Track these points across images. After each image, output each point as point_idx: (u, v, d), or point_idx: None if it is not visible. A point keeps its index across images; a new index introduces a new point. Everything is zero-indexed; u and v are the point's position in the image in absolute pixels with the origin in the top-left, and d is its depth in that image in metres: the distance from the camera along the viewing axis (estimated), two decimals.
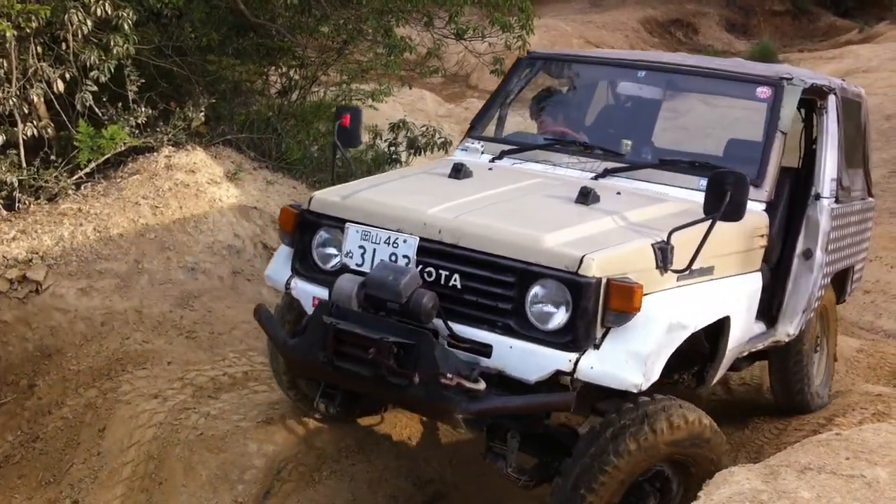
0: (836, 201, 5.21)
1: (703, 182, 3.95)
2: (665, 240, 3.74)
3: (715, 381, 4.40)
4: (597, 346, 3.58)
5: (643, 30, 17.19)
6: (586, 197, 4.07)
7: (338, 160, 4.87)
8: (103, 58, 6.66)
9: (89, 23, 6.46)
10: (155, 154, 7.00)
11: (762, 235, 4.54)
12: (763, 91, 4.74)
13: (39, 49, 6.57)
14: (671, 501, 3.97)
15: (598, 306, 3.54)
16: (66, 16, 6.39)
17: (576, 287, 3.54)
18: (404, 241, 3.78)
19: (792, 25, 18.91)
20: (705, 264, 3.97)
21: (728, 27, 18.72)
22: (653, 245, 3.74)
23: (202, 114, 7.27)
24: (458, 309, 3.72)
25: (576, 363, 3.54)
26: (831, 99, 5.19)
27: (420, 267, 3.74)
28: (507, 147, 4.95)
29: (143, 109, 6.91)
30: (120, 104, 6.88)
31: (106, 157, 6.73)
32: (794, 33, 18.55)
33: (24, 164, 6.43)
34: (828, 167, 5.13)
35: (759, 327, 4.87)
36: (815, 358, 5.68)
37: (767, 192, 4.54)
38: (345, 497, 4.46)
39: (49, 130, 6.69)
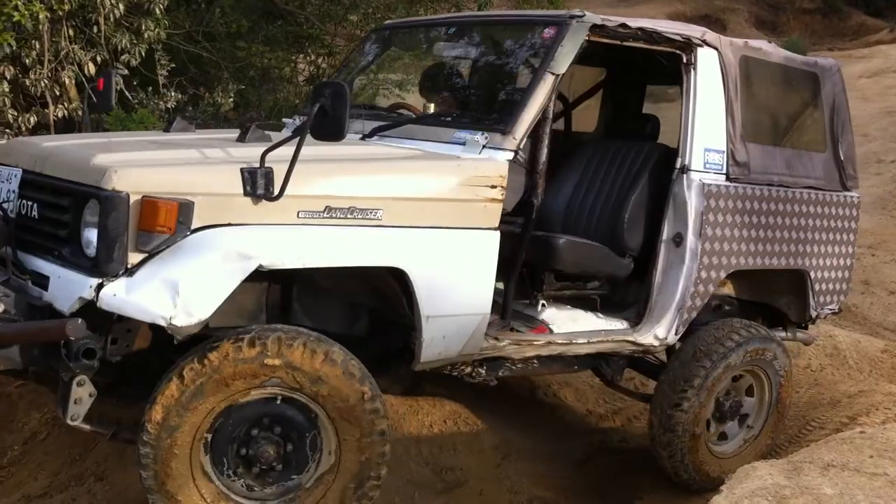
0: (729, 179, 4.46)
1: (458, 134, 3.92)
2: (259, 164, 3.32)
3: (438, 359, 3.87)
4: (130, 273, 3.17)
5: None
6: (244, 135, 3.82)
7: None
8: (134, 42, 6.73)
9: (121, 6, 6.53)
10: None
11: (493, 186, 3.79)
12: (548, 31, 4.16)
13: (71, 32, 6.64)
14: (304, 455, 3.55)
15: (122, 225, 3.15)
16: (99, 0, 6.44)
17: (100, 202, 3.18)
18: (14, 175, 3.61)
19: (822, 23, 18.76)
20: (364, 205, 3.52)
21: (757, 24, 18.61)
22: (242, 169, 3.32)
23: (231, 99, 7.33)
24: (33, 240, 3.48)
25: (98, 289, 3.12)
26: (703, 54, 4.39)
27: (20, 200, 3.55)
28: None
29: (172, 94, 6.99)
30: (150, 88, 6.95)
31: None
32: (823, 31, 18.40)
33: None
34: (697, 134, 4.36)
35: (616, 324, 4.41)
36: (706, 438, 4.65)
37: (517, 140, 3.87)
38: None
39: (79, 113, 6.76)
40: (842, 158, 5.06)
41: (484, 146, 3.87)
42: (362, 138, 4.16)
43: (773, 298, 5.05)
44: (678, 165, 4.37)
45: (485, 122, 4.09)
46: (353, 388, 3.45)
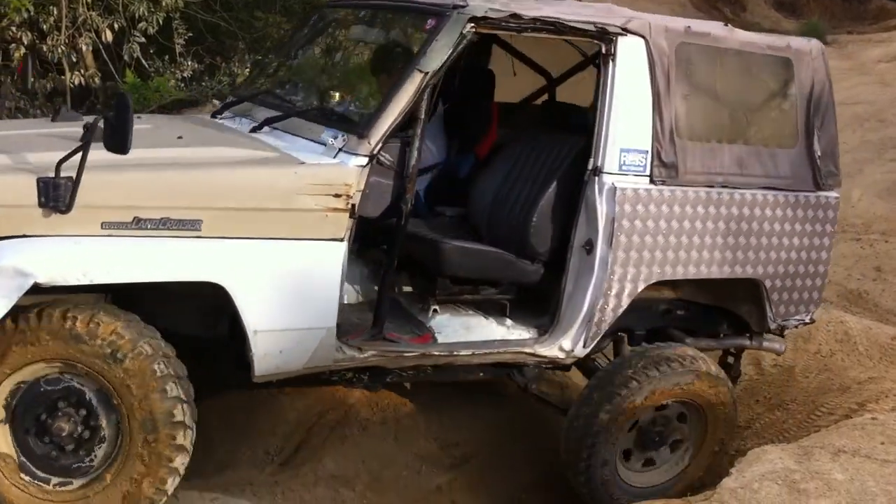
0: (653, 181, 4.03)
1: (325, 133, 3.67)
2: (54, 174, 3.13)
3: (279, 372, 3.67)
4: None
5: (689, 4, 16.94)
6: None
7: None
8: (152, 10, 6.73)
9: None
10: (199, 108, 7.04)
11: (336, 195, 3.49)
12: (430, 22, 3.81)
13: None
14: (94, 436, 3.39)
15: None
16: None
17: None
18: None
19: (842, 7, 18.58)
20: (180, 215, 3.30)
21: (776, 5, 18.42)
22: (39, 179, 3.15)
23: (247, 70, 7.31)
24: None
25: None
26: (624, 44, 3.97)
27: None
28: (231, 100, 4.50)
29: (189, 63, 6.99)
30: (167, 57, 6.94)
31: (151, 108, 6.79)
32: (843, 15, 18.22)
33: None
34: (612, 134, 3.96)
35: (519, 332, 4.14)
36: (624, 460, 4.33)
37: (371, 145, 3.56)
38: (373, 455, 4.51)
39: (96, 80, 6.77)
40: (817, 154, 4.47)
41: (340, 150, 3.60)
42: (252, 130, 3.97)
43: (734, 305, 4.62)
44: (590, 167, 3.99)
45: (350, 121, 3.82)
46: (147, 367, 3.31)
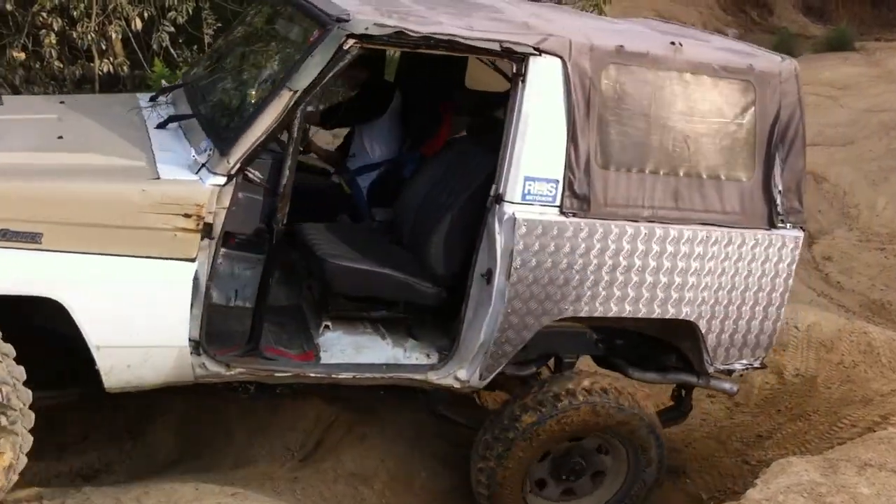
0: (563, 212, 3.74)
1: (202, 144, 3.59)
2: None
3: (131, 386, 3.62)
4: None
5: (717, 6, 16.85)
6: None
7: None
8: None
9: None
10: None
11: (186, 215, 3.39)
12: (315, 34, 3.57)
13: None
14: None
15: None
16: None
17: None
18: None
19: (871, 13, 18.41)
20: (20, 227, 3.24)
21: (804, 10, 18.28)
22: None
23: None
24: None
25: None
26: (537, 65, 3.67)
27: None
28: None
29: None
30: (195, 47, 6.93)
31: None
32: (872, 21, 18.05)
33: None
34: (516, 161, 3.68)
35: (415, 357, 3.99)
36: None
37: (230, 164, 3.43)
38: (391, 454, 4.51)
39: (125, 68, 6.75)
40: (777, 188, 4.07)
41: (203, 165, 3.50)
42: (158, 126, 3.89)
43: (677, 341, 4.30)
44: (492, 193, 3.74)
45: (221, 135, 3.63)
46: None
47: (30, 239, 3.26)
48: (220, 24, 7.06)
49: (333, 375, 3.81)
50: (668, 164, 3.91)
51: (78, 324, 3.37)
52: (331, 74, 3.51)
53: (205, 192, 3.41)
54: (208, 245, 3.47)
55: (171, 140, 3.78)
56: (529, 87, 3.68)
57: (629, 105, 3.84)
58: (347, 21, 3.47)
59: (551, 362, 4.42)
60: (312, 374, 3.78)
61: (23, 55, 6.50)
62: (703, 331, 4.08)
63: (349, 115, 5.20)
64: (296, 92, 3.46)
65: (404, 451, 4.56)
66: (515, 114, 3.68)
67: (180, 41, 6.90)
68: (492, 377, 3.92)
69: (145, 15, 6.64)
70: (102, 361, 3.46)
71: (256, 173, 3.55)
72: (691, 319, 4.04)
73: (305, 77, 3.47)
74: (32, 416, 3.37)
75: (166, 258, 3.42)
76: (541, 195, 3.72)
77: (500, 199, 3.71)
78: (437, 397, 4.25)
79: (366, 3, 3.72)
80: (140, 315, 3.46)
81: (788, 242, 4.10)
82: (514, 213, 3.68)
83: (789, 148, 4.09)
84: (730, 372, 4.33)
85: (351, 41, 3.46)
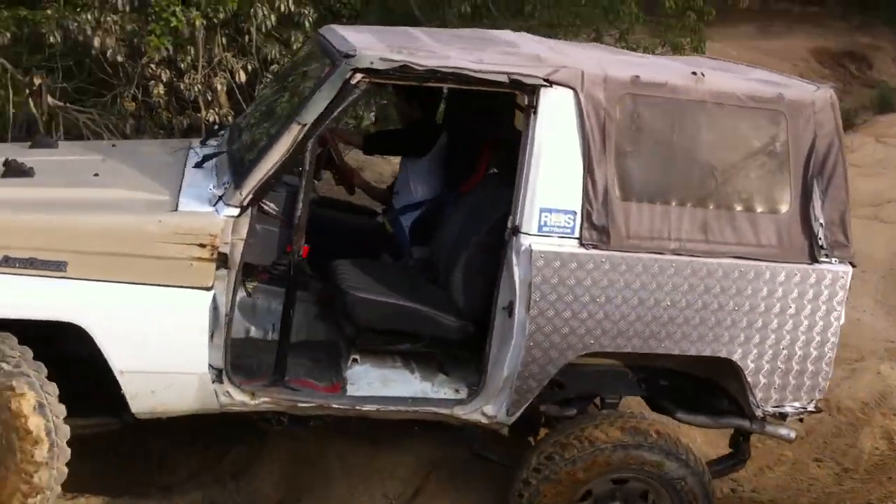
0: (583, 244, 3.70)
1: (225, 179, 3.75)
2: None
3: (157, 412, 3.74)
4: None
5: (813, 59, 16.57)
6: (8, 169, 3.89)
7: None
8: (283, 52, 6.91)
9: (273, 18, 6.72)
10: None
11: (201, 245, 3.53)
12: (327, 70, 3.67)
13: (224, 40, 6.88)
14: None
15: None
16: (251, 9, 6.65)
17: None
18: None
19: None
20: (47, 256, 3.46)
21: None
22: None
23: (372, 114, 7.43)
24: None
25: None
26: (549, 96, 3.67)
27: None
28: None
29: None
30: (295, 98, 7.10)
31: None
32: None
33: None
34: (531, 192, 3.68)
35: (444, 392, 3.99)
36: None
37: (242, 196, 3.57)
38: (487, 502, 4.44)
39: (229, 118, 6.95)
40: (817, 221, 3.90)
41: (220, 198, 3.64)
42: (195, 165, 4.07)
43: (723, 381, 4.15)
44: (509, 225, 3.74)
45: (238, 169, 3.79)
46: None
47: (55, 267, 3.48)
48: None
49: (358, 407, 3.84)
50: (694, 196, 3.84)
51: (101, 349, 3.53)
52: (340, 109, 3.62)
53: (218, 222, 3.56)
54: (225, 275, 3.59)
55: (202, 177, 3.95)
56: (541, 118, 3.69)
57: (649, 136, 3.80)
58: (353, 56, 3.57)
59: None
60: (336, 406, 3.82)
61: (133, 105, 6.76)
62: (746, 370, 3.92)
63: (392, 146, 5.36)
64: (304, 125, 3.57)
65: (502, 499, 4.48)
66: (529, 145, 3.70)
67: None
68: (519, 413, 3.86)
69: (249, 67, 6.86)
70: (127, 386, 3.61)
71: (272, 205, 3.68)
72: (731, 358, 3.90)
73: (314, 111, 3.57)
74: (68, 451, 3.55)
75: (183, 286, 3.56)
76: (558, 226, 3.71)
77: (516, 230, 3.71)
78: (472, 435, 4.19)
79: (382, 41, 3.81)
80: (160, 341, 3.60)
81: (834, 277, 3.91)
82: (530, 245, 3.67)
83: (829, 179, 3.94)
84: (783, 416, 4.12)
85: (359, 76, 3.56)
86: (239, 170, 3.74)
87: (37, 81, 6.40)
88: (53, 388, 3.53)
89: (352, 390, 3.92)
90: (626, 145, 3.76)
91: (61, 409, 3.53)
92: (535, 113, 3.69)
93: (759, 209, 3.90)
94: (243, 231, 3.60)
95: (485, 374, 3.82)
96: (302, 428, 4.02)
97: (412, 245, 4.82)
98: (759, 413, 4.04)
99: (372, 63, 3.56)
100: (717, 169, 3.87)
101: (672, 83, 3.81)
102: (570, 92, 3.69)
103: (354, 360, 4.04)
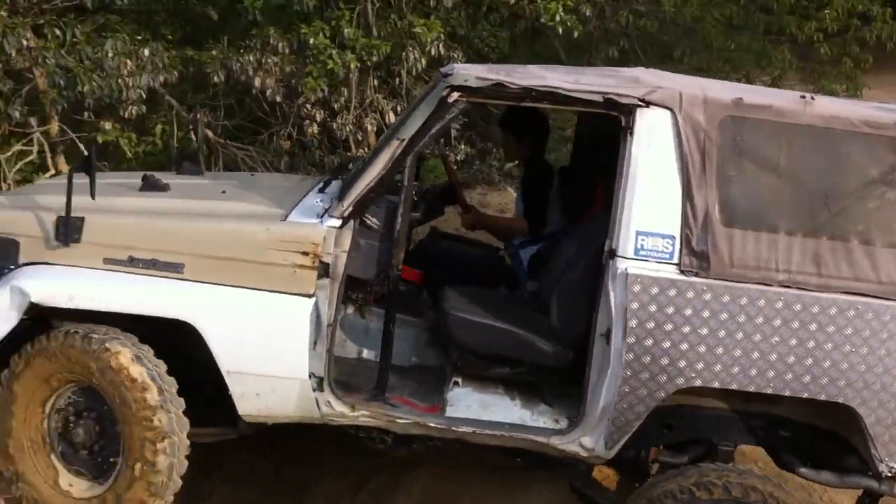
0: (682, 271, 3.58)
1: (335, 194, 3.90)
2: (70, 215, 3.78)
3: (262, 416, 3.88)
4: None
5: None
6: (145, 183, 4.26)
7: None
8: None
9: (423, 61, 6.87)
10: (468, 191, 7.28)
11: (304, 253, 3.70)
12: (427, 88, 3.82)
13: (376, 82, 7.08)
14: None
15: None
16: (403, 53, 6.83)
17: None
18: None
19: None
20: (166, 258, 3.77)
21: None
22: (57, 217, 3.81)
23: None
24: None
25: None
26: (646, 117, 3.60)
27: None
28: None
29: (462, 147, 7.22)
30: (442, 140, 7.22)
31: (425, 188, 7.09)
32: None
33: None
34: (626, 214, 3.61)
35: (543, 420, 3.94)
36: None
37: (343, 207, 3.74)
38: None
39: None
40: None
41: (326, 211, 3.84)
42: (320, 189, 4.23)
43: (845, 431, 3.84)
44: (606, 249, 3.67)
45: (345, 183, 3.97)
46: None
47: (173, 269, 3.78)
48: (465, 119, 7.38)
49: (454, 428, 3.85)
50: (805, 226, 3.63)
51: (210, 348, 3.74)
52: (438, 126, 3.71)
53: (321, 232, 3.74)
54: (327, 284, 3.73)
55: (320, 199, 4.10)
56: (637, 139, 3.62)
57: (754, 160, 3.64)
58: (451, 75, 3.68)
59: None
60: (432, 425, 3.85)
61: (288, 143, 7.03)
62: (867, 420, 3.61)
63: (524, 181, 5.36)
64: (402, 141, 3.71)
65: None
66: (625, 167, 3.63)
67: None
68: (618, 447, 3.73)
69: (398, 109, 7.03)
70: (234, 387, 3.80)
71: (374, 220, 3.85)
72: (850, 405, 3.61)
73: (412, 127, 3.71)
74: (187, 443, 3.80)
75: (286, 293, 3.74)
76: (655, 251, 3.61)
77: (613, 254, 3.63)
78: (576, 472, 4.13)
79: (491, 69, 3.85)
80: (264, 344, 3.78)
81: None
82: (626, 269, 3.58)
83: None
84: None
85: (455, 94, 3.65)
86: (345, 184, 3.94)
87: (200, 118, 6.73)
88: (171, 381, 3.78)
89: (450, 412, 3.96)
90: (728, 169, 3.62)
91: (180, 402, 3.78)
92: (631, 134, 3.63)
93: (879, 243, 3.65)
94: (346, 243, 3.76)
95: (584, 404, 3.74)
96: (405, 449, 4.07)
97: (529, 278, 4.84)
98: (884, 470, 3.69)
99: (467, 81, 3.65)
100: (830, 198, 3.65)
101: (778, 106, 3.65)
102: (668, 113, 3.62)
103: (456, 383, 4.08)
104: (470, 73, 3.67)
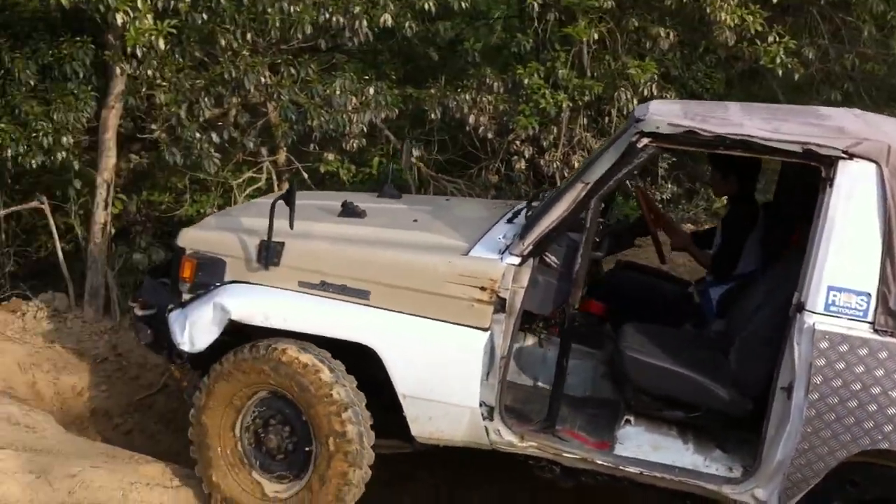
0: (877, 330, 3.43)
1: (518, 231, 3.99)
2: (271, 240, 4.03)
3: (433, 439, 4.00)
4: (182, 306, 4.20)
5: None
6: (344, 209, 4.48)
7: None
8: None
9: (635, 101, 6.89)
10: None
11: (482, 288, 3.78)
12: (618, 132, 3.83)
13: (586, 120, 7.18)
14: None
15: (176, 270, 4.28)
16: (615, 93, 6.90)
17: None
18: None
19: None
20: (355, 285, 3.94)
21: None
22: (261, 241, 4.06)
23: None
24: None
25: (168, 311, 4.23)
26: (848, 170, 3.46)
27: None
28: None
29: (669, 185, 7.20)
30: (648, 179, 7.24)
31: (617, 219, 7.12)
32: None
33: None
34: (819, 268, 3.48)
35: (715, 467, 3.84)
36: None
37: (523, 246, 3.83)
38: None
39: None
40: None
41: (507, 247, 3.91)
42: (508, 220, 4.35)
43: None
44: (794, 301, 3.54)
45: (527, 222, 4.04)
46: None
47: (361, 295, 3.97)
48: (674, 158, 7.35)
49: (621, 467, 3.84)
50: None
51: (388, 372, 3.92)
52: (625, 171, 3.72)
53: (500, 269, 3.83)
54: (503, 319, 3.81)
55: (506, 230, 4.21)
56: (837, 191, 3.51)
57: None
58: (642, 120, 3.67)
59: None
60: (599, 462, 3.86)
61: (496, 178, 7.26)
62: None
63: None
64: (587, 184, 3.75)
65: None
66: (822, 219, 3.53)
67: (635, 172, 7.25)
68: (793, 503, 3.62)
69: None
70: (408, 410, 3.96)
71: (553, 258, 3.92)
72: None
73: (598, 170, 3.75)
74: (372, 455, 4.01)
75: (463, 325, 3.87)
76: (848, 307, 3.49)
77: (801, 307, 3.53)
78: None
79: (686, 112, 3.82)
80: (438, 372, 3.91)
81: None
82: (814, 324, 3.48)
83: None
84: None
85: (645, 139, 3.65)
86: (527, 223, 4.03)
87: (415, 153, 7.09)
88: (361, 397, 4.01)
89: (620, 450, 3.95)
90: None
91: (367, 415, 4.02)
92: (831, 186, 3.53)
93: None
94: (524, 280, 3.84)
95: (760, 455, 3.67)
96: (572, 481, 4.10)
97: (717, 318, 4.74)
98: None
99: (658, 127, 3.64)
100: None
101: None
102: (873, 166, 3.50)
103: (628, 421, 4.08)
104: (662, 119, 3.66)
